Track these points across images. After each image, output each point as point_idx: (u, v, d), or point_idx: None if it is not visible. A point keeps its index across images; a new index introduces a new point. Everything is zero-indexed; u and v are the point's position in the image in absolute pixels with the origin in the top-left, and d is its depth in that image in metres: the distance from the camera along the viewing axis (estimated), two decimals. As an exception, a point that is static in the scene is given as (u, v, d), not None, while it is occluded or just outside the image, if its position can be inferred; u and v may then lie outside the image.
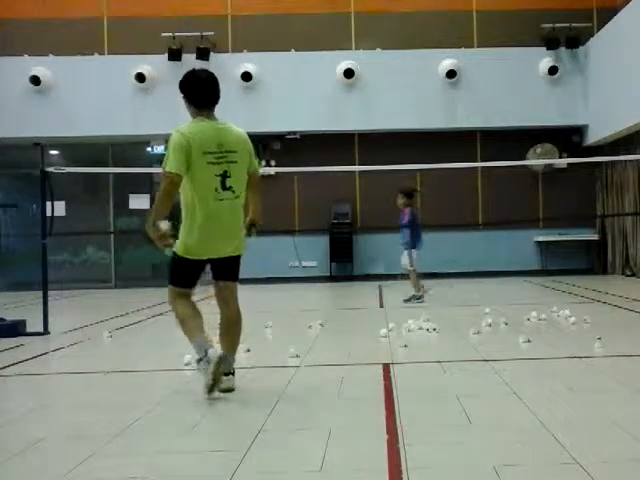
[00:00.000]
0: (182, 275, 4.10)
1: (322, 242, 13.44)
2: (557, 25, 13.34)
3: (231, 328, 4.08)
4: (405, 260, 9.07)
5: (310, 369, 4.70)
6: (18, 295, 11.79)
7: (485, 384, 4.08)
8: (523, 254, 13.70)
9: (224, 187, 3.86)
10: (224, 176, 3.85)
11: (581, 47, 13.39)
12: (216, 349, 3.82)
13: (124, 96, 13.09)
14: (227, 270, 4.11)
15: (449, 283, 12.14)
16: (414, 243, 9.03)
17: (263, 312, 8.25)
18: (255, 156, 4.17)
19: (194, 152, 3.79)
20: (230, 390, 3.86)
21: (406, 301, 9.03)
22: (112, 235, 14.12)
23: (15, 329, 6.66)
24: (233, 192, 3.90)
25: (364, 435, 3.09)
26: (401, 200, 9.06)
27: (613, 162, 13.13)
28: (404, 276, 9.71)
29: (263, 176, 15.19)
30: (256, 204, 4.31)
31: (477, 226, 13.72)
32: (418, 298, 9.00)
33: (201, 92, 3.97)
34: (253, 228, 4.29)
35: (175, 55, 13.20)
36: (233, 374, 3.93)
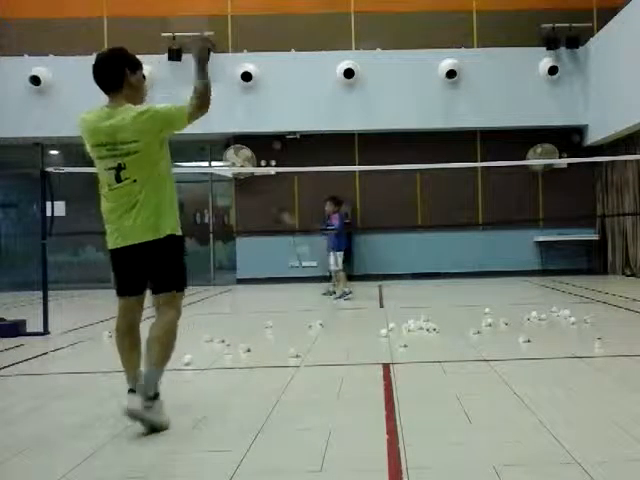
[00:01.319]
0: (116, 277, 3.54)
1: (322, 242, 13.42)
2: (557, 25, 13.35)
3: (148, 344, 3.35)
4: (333, 261, 10.02)
5: (310, 369, 4.70)
6: (18, 295, 11.80)
7: (485, 384, 4.08)
8: (523, 254, 13.70)
9: (118, 179, 3.37)
10: (118, 169, 3.36)
11: (581, 47, 13.40)
12: (132, 399, 3.26)
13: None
14: (152, 273, 3.44)
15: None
16: (340, 245, 10.07)
17: (263, 312, 8.25)
18: (167, 107, 3.40)
19: (86, 142, 3.46)
20: (132, 415, 3.18)
21: (337, 299, 9.78)
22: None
23: (15, 329, 6.67)
24: (134, 181, 3.37)
25: (364, 435, 3.09)
26: (330, 207, 10.04)
27: (613, 162, 13.13)
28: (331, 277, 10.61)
29: (263, 176, 15.31)
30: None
31: (477, 226, 13.73)
32: (348, 294, 9.83)
33: (94, 75, 3.51)
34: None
35: (175, 55, 13.21)
36: (145, 397, 3.20)
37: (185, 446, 2.99)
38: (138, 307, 3.55)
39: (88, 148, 3.46)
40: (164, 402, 3.30)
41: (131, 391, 3.35)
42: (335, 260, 9.97)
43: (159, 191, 3.41)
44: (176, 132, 3.46)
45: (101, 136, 3.36)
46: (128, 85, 3.46)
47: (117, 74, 3.45)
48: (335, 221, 9.96)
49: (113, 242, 3.45)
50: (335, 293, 10.06)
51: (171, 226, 3.43)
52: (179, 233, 3.47)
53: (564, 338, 5.80)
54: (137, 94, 3.51)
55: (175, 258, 3.47)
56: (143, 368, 3.35)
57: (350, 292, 9.89)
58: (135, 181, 3.36)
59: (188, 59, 13.13)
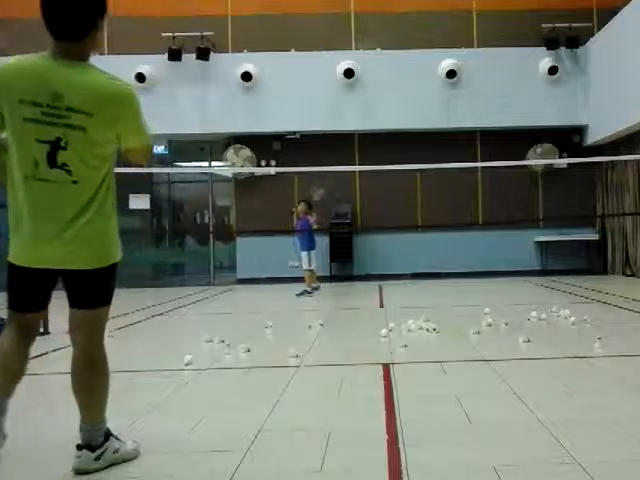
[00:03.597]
0: (12, 290, 2.66)
1: (322, 242, 13.43)
2: (557, 25, 13.35)
3: (77, 379, 2.67)
4: (306, 260, 10.58)
5: (310, 369, 4.70)
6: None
7: (485, 384, 4.08)
8: (523, 254, 13.71)
9: (52, 163, 2.49)
10: (55, 145, 2.48)
11: (581, 47, 13.40)
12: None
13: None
14: (73, 289, 2.66)
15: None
16: (312, 245, 10.65)
17: (263, 312, 8.25)
18: (142, 127, 2.67)
19: (4, 97, 2.48)
20: (82, 472, 2.66)
21: (299, 295, 10.39)
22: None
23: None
24: (68, 174, 2.51)
25: (364, 435, 3.09)
26: (304, 208, 10.59)
27: (613, 162, 13.14)
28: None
29: (263, 176, 15.36)
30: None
31: (477, 226, 13.73)
32: (310, 292, 10.54)
33: (51, 8, 2.49)
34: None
35: (175, 55, 13.21)
36: (92, 449, 2.68)
37: (185, 446, 2.99)
38: (37, 325, 2.76)
39: (6, 105, 2.48)
40: (114, 439, 2.79)
41: None
42: (309, 260, 10.58)
43: (107, 208, 2.65)
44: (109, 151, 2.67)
45: (44, 90, 2.46)
46: (92, 38, 2.60)
47: (88, 19, 2.55)
48: (309, 222, 10.51)
49: (23, 257, 2.58)
50: (308, 290, 10.64)
51: (116, 251, 2.72)
52: (119, 258, 2.74)
53: (564, 338, 5.79)
54: (90, 52, 2.66)
55: (109, 281, 2.73)
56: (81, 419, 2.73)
57: (314, 289, 10.66)
58: (75, 182, 2.53)
59: (188, 59, 13.15)
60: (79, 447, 2.68)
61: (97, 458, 2.68)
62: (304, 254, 10.58)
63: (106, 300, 2.71)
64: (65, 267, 2.58)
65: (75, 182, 2.53)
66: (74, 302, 2.66)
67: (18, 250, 2.58)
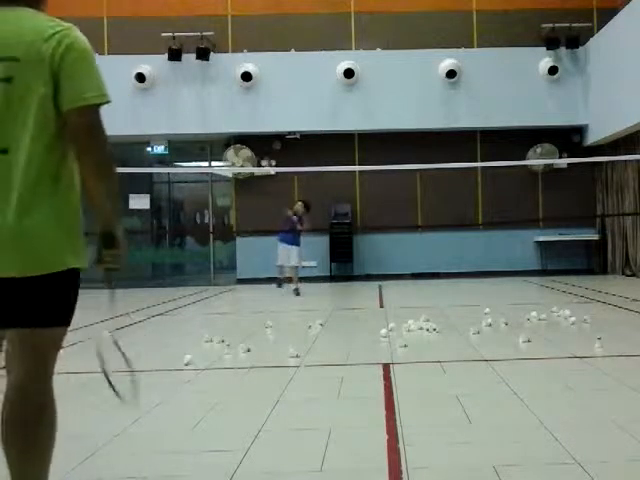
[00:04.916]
0: None
1: (322, 242, 13.43)
2: (557, 25, 13.34)
3: (14, 433, 1.97)
4: (296, 257, 10.58)
5: (310, 369, 4.70)
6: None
7: (485, 384, 4.08)
8: (523, 254, 13.70)
9: None
10: None
11: (581, 47, 13.40)
12: None
13: (124, 96, 13.07)
14: (8, 304, 1.93)
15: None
16: (299, 242, 10.73)
17: (263, 312, 8.25)
18: (90, 75, 1.96)
19: None
20: None
21: (298, 293, 10.50)
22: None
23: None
24: (3, 151, 1.90)
25: (364, 435, 3.09)
26: (303, 209, 10.66)
27: (613, 162, 13.13)
28: (287, 279, 11.17)
29: (263, 176, 15.34)
30: (99, 194, 2.01)
31: (477, 226, 13.72)
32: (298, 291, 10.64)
33: None
34: (105, 252, 2.15)
35: (175, 55, 13.20)
36: None
37: (185, 446, 2.99)
38: None
39: None
40: None
41: None
42: (299, 257, 10.64)
43: (60, 187, 1.97)
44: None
45: None
46: None
47: None
48: (302, 223, 10.57)
49: None
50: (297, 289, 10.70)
51: (75, 253, 2.07)
52: (82, 265, 2.11)
53: (564, 338, 5.80)
54: (44, 4, 2.11)
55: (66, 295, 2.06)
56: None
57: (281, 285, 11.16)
58: (5, 151, 1.89)
59: (188, 59, 13.14)
60: None
61: None
62: (296, 249, 10.55)
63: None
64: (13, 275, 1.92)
65: (3, 153, 1.90)
66: (9, 319, 1.96)
67: None
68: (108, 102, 1.98)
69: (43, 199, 1.93)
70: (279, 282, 11.24)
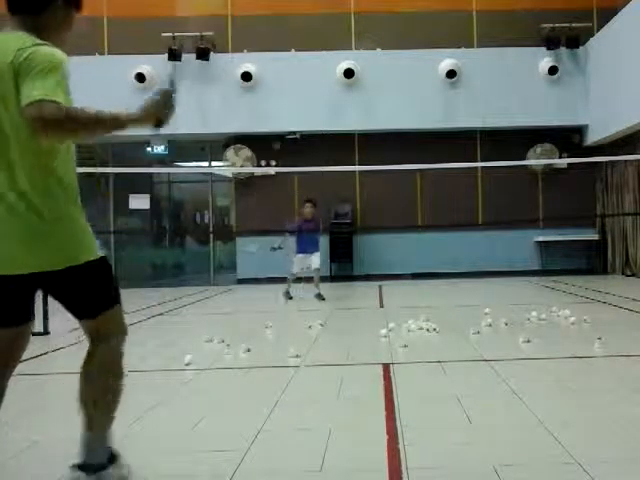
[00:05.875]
0: None
1: (322, 242, 13.41)
2: (557, 25, 13.34)
3: (90, 380, 2.41)
4: (318, 261, 9.87)
5: (310, 369, 4.70)
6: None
7: (485, 384, 4.08)
8: (523, 254, 13.70)
9: None
10: None
11: (581, 47, 13.40)
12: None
13: (124, 96, 13.02)
14: (68, 297, 2.35)
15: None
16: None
17: (263, 312, 8.25)
18: (38, 77, 2.08)
19: None
20: None
21: (321, 299, 9.68)
22: (112, 235, 14.13)
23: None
24: None
25: (364, 435, 3.09)
26: (313, 209, 9.94)
27: (613, 162, 13.13)
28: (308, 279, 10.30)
29: (263, 176, 15.33)
30: (97, 133, 2.30)
31: (477, 226, 13.72)
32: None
33: None
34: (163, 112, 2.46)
35: (175, 55, 13.20)
36: (94, 469, 2.34)
37: (185, 446, 2.99)
38: (18, 343, 2.36)
39: None
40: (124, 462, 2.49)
41: None
42: (318, 260, 9.93)
43: (63, 187, 2.26)
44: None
45: None
46: (52, 15, 2.31)
47: None
48: (318, 224, 10.04)
49: None
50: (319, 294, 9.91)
51: (87, 247, 2.32)
52: (96, 256, 2.34)
53: (564, 338, 5.80)
54: (50, 32, 2.31)
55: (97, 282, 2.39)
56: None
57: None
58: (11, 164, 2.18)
59: (188, 59, 13.14)
60: (80, 467, 2.33)
61: None
62: (317, 254, 9.89)
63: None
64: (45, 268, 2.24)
65: None
66: (77, 310, 2.39)
67: None
68: (54, 102, 2.06)
69: (51, 201, 2.20)
70: (289, 294, 10.05)
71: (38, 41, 2.18)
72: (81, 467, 2.33)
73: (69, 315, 2.42)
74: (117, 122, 2.27)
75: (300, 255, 9.88)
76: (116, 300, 2.47)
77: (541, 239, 13.72)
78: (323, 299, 9.70)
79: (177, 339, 6.53)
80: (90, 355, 2.41)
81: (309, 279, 10.22)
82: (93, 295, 2.36)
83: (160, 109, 2.41)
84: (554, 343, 5.49)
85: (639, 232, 12.60)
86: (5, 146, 2.16)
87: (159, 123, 2.43)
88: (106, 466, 2.36)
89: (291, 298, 9.88)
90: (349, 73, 13.23)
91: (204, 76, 13.20)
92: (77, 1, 2.41)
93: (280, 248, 9.95)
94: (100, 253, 2.36)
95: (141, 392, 4.14)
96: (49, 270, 2.22)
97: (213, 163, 14.86)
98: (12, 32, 2.22)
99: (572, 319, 6.46)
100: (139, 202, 13.86)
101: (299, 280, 10.40)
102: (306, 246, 9.86)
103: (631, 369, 4.43)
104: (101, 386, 2.40)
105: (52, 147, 2.20)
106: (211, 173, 14.83)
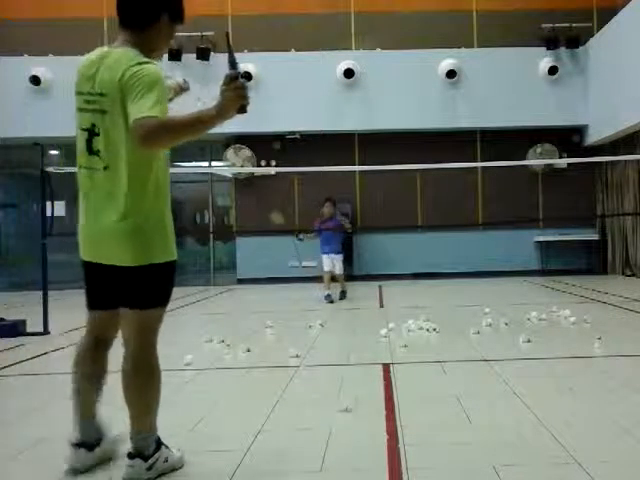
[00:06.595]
0: (85, 285, 2.75)
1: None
2: (557, 25, 13.34)
3: (124, 383, 2.64)
4: (340, 266, 9.85)
5: (310, 369, 4.70)
6: (18, 295, 11.80)
7: (485, 384, 4.08)
8: (523, 254, 13.70)
9: (90, 150, 2.50)
10: (91, 132, 2.49)
11: (581, 47, 13.39)
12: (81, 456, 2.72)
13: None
14: (119, 287, 2.60)
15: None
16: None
17: (263, 312, 8.25)
18: (140, 95, 2.35)
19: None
20: None
21: (344, 296, 9.82)
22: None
23: (15, 329, 6.67)
24: (101, 159, 2.49)
25: (364, 435, 3.09)
26: (332, 208, 9.81)
27: (613, 162, 13.13)
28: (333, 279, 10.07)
29: (263, 176, 15.30)
30: (196, 134, 2.51)
31: (477, 226, 13.72)
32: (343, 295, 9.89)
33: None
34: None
35: (175, 55, 13.19)
36: (145, 458, 2.62)
37: (185, 446, 2.99)
38: (111, 322, 2.71)
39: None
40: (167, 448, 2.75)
41: (77, 446, 2.70)
42: (341, 265, 9.86)
43: (147, 194, 2.52)
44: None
45: (87, 79, 2.51)
46: (156, 32, 2.57)
47: (149, 9, 2.54)
48: (339, 223, 9.86)
49: (82, 251, 2.67)
50: (343, 293, 9.92)
51: (162, 248, 2.58)
52: (171, 258, 2.62)
53: (564, 338, 5.80)
54: (153, 47, 2.60)
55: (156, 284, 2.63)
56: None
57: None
58: (106, 168, 2.48)
59: (188, 59, 13.14)
60: (131, 456, 2.61)
61: (149, 468, 2.61)
62: (341, 256, 9.86)
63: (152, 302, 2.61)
64: (113, 263, 2.54)
65: (106, 168, 2.48)
66: (120, 299, 2.61)
67: (80, 243, 2.65)
68: (154, 117, 2.31)
69: (136, 204, 2.47)
70: (330, 297, 9.51)
71: (141, 59, 2.44)
72: (136, 456, 2.61)
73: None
74: (205, 122, 2.48)
75: (324, 256, 9.83)
76: (165, 301, 2.71)
77: (541, 239, 13.72)
78: (343, 298, 9.81)
79: (177, 339, 6.52)
80: (124, 355, 2.63)
81: (319, 278, 10.28)
82: (155, 289, 2.60)
83: (236, 95, 2.50)
84: (554, 343, 5.49)
85: (639, 232, 12.60)
86: (115, 153, 2.45)
87: (242, 108, 2.56)
88: (155, 453, 2.64)
89: (332, 302, 9.43)
90: (349, 73, 13.23)
91: (204, 76, 13.19)
92: (181, 16, 2.64)
93: (301, 240, 9.85)
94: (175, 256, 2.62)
95: (141, 392, 4.14)
96: (135, 265, 2.50)
97: (213, 163, 14.86)
98: (120, 47, 2.51)
99: (572, 319, 6.46)
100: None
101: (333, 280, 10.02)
102: (327, 246, 9.80)
103: (631, 369, 4.43)
104: (136, 384, 2.64)
105: (152, 155, 2.50)
106: (211, 173, 14.82)
